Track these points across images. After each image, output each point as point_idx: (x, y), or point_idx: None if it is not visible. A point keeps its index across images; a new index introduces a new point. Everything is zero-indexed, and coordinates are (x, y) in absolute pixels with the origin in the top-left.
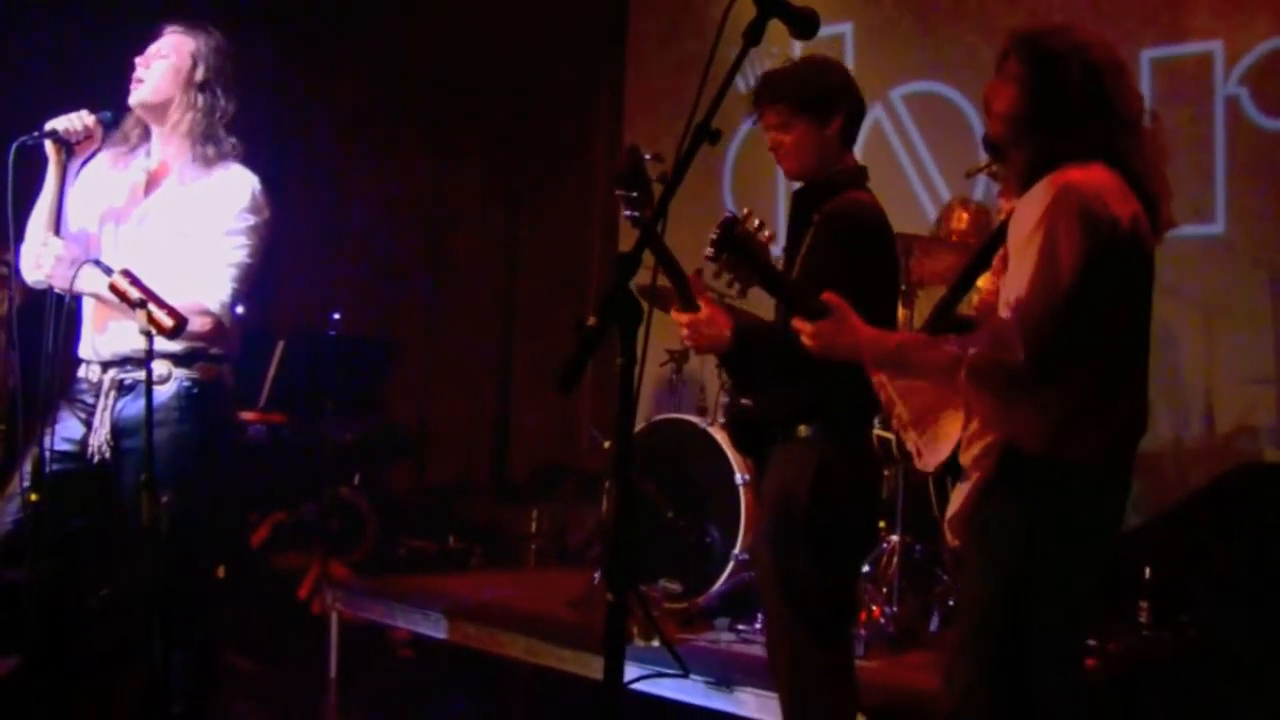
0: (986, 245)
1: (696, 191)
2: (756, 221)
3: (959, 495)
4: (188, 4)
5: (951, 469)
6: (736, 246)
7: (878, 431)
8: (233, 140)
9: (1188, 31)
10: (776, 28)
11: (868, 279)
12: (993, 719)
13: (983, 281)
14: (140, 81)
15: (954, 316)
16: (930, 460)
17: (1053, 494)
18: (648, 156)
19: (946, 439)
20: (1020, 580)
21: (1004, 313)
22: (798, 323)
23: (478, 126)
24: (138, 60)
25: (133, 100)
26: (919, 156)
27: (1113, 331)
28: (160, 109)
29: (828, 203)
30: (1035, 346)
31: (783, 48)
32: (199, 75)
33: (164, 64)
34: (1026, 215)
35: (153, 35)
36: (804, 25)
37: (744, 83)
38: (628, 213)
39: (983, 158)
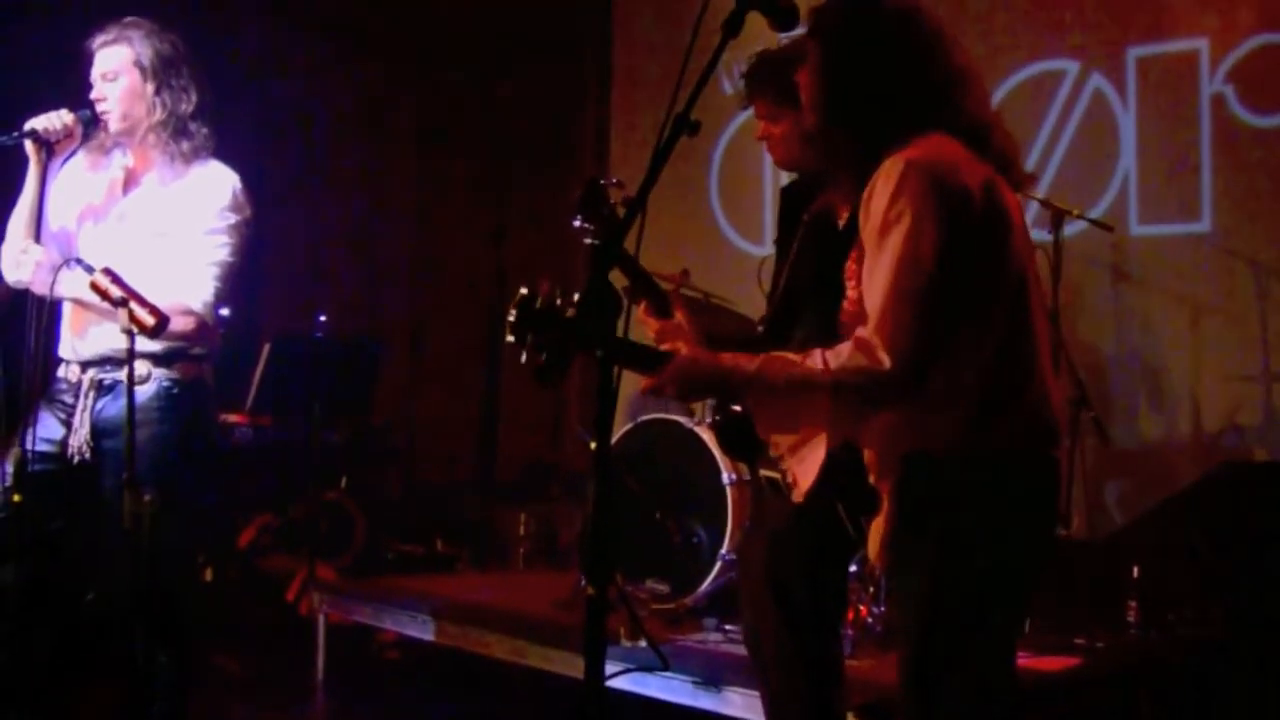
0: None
1: (682, 187)
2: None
3: (877, 528)
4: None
5: (850, 503)
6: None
7: (764, 472)
8: (204, 131)
9: (1173, 29)
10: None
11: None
12: None
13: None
14: (108, 113)
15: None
16: (799, 491)
17: (979, 490)
18: (608, 183)
19: (813, 464)
20: (965, 586)
21: (869, 320)
22: (646, 382)
23: (464, 124)
24: (93, 95)
25: (111, 130)
26: None
27: (988, 312)
28: (133, 127)
29: (817, 200)
30: (902, 350)
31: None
32: (152, 81)
33: (117, 87)
34: (875, 207)
35: (85, 57)
36: (784, 18)
37: (729, 84)
38: (588, 241)
39: None
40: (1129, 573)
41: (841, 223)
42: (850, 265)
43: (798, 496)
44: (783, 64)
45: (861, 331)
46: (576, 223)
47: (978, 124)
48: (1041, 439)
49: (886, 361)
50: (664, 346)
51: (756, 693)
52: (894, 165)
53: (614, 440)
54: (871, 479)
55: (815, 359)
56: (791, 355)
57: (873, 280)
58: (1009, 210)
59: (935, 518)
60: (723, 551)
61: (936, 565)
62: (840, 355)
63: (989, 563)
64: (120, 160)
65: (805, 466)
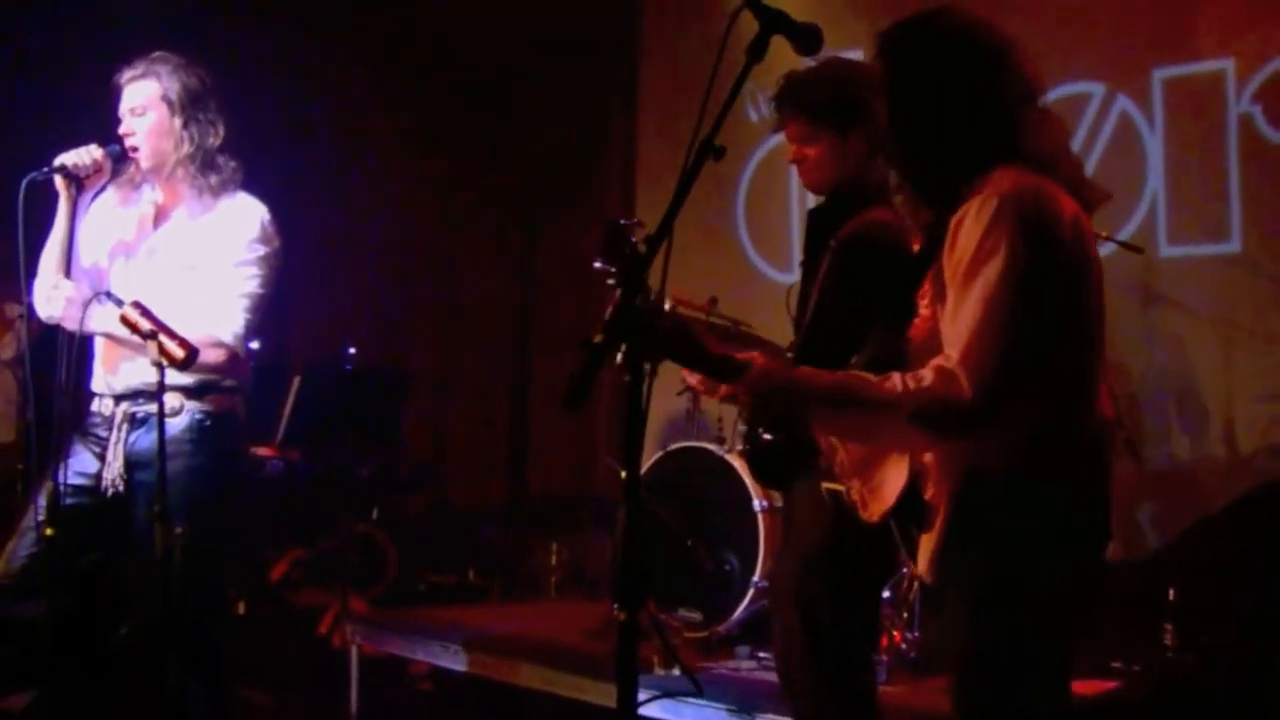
0: (919, 262)
1: (709, 214)
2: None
3: (928, 541)
4: (203, 23)
5: (902, 516)
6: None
7: (825, 485)
8: (232, 164)
9: (1199, 50)
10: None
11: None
12: None
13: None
14: (136, 149)
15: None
16: (875, 510)
17: (1027, 517)
18: (628, 223)
19: (891, 487)
20: (1009, 612)
21: (949, 349)
22: (724, 388)
23: (489, 145)
24: (122, 130)
25: (140, 165)
26: None
27: (1068, 345)
28: (161, 162)
29: (845, 225)
30: (985, 384)
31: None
32: (179, 115)
33: (145, 122)
34: (966, 241)
35: (113, 92)
36: (807, 41)
37: (755, 112)
38: (611, 284)
39: None
40: (1165, 595)
41: (916, 246)
42: (925, 285)
43: (872, 517)
44: (814, 84)
45: (943, 361)
46: (597, 265)
47: (1049, 144)
48: (1097, 467)
49: (969, 393)
50: (740, 356)
51: None
52: (987, 200)
53: (644, 469)
54: (928, 492)
55: (895, 382)
56: (869, 376)
57: (959, 312)
58: (1090, 242)
59: (991, 532)
60: (755, 578)
61: (989, 579)
62: (921, 381)
63: (1040, 578)
64: (150, 195)
65: (882, 490)
